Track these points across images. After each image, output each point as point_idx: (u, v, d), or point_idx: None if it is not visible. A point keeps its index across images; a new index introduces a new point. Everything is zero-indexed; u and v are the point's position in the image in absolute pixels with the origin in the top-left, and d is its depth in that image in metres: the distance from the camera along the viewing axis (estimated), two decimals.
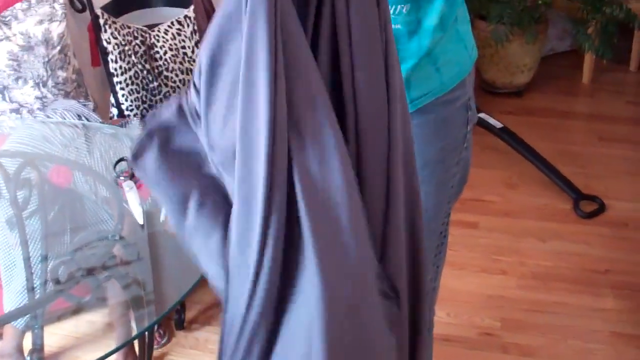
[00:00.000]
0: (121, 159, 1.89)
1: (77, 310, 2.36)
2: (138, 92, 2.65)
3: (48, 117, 2.25)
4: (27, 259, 1.89)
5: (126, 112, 2.65)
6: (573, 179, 3.30)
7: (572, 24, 4.10)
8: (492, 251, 2.89)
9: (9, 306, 1.92)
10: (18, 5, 2.47)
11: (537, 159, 3.35)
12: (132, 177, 1.82)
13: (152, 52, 2.70)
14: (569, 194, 3.22)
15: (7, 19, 2.44)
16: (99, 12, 2.63)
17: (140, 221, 1.77)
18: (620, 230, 3.04)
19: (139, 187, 1.83)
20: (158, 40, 2.71)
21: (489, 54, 4.02)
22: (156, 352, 2.43)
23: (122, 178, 1.83)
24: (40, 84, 2.50)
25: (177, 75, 2.71)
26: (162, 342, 2.46)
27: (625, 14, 3.94)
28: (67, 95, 2.55)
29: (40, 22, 2.50)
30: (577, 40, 4.09)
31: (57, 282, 1.79)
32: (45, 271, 1.94)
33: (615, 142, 3.75)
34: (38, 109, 2.45)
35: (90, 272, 1.84)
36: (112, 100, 2.67)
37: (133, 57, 2.64)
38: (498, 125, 3.47)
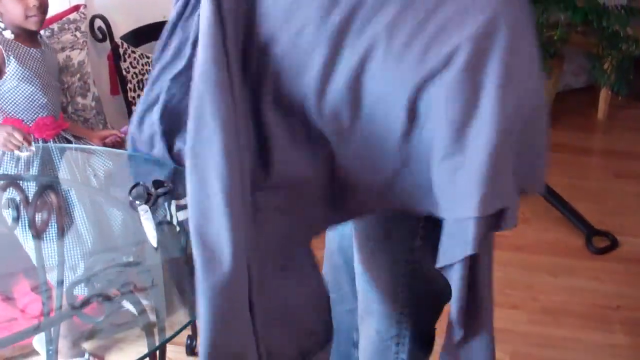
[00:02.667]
0: (137, 184, 1.91)
1: (90, 335, 2.39)
2: None
3: (68, 140, 2.30)
4: (44, 283, 1.92)
5: None
6: (587, 215, 3.30)
7: (588, 60, 4.13)
8: (503, 285, 2.88)
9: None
10: (42, 33, 2.53)
11: (550, 194, 3.35)
12: (147, 201, 1.84)
13: None
14: (582, 229, 3.22)
15: None
16: (119, 41, 2.69)
17: (155, 245, 1.79)
18: (633, 266, 3.03)
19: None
20: None
21: None
22: None
23: (137, 202, 1.85)
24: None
25: None
26: None
27: None
28: (85, 122, 2.60)
29: (62, 49, 2.56)
30: (593, 76, 4.12)
31: (73, 307, 1.82)
32: (61, 295, 1.97)
33: (630, 179, 3.75)
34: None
35: (105, 297, 1.86)
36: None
37: None
38: None
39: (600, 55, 4.02)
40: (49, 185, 2.03)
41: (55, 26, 2.56)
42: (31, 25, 2.22)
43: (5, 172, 2.13)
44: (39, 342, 2.32)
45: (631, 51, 3.94)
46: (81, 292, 1.76)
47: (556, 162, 3.82)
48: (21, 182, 2.02)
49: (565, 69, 4.63)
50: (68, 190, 2.08)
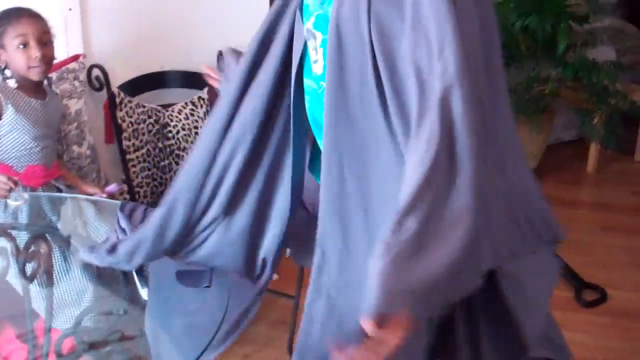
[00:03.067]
0: None
1: None
2: (149, 170, 2.73)
3: (58, 189, 2.33)
4: (31, 331, 1.94)
5: (136, 189, 2.72)
6: (576, 268, 3.32)
7: (578, 115, 4.20)
8: None
9: None
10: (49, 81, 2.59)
11: None
12: None
13: (165, 130, 2.79)
14: (571, 282, 3.24)
15: None
16: (115, 91, 2.74)
17: (145, 297, 1.82)
18: (621, 320, 3.05)
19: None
20: (171, 120, 2.81)
21: None
22: None
23: None
24: None
25: (188, 155, 2.80)
26: None
27: (630, 106, 4.05)
28: (80, 170, 2.63)
29: (60, 98, 2.60)
30: (582, 130, 4.19)
31: (59, 355, 1.84)
32: (48, 343, 1.98)
33: (618, 232, 3.79)
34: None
35: (92, 346, 1.88)
36: (123, 176, 2.75)
37: (146, 135, 2.73)
38: None
39: (589, 110, 4.10)
40: (41, 235, 2.06)
41: (54, 75, 2.62)
42: (34, 76, 2.27)
43: None
44: None
45: (620, 106, 4.01)
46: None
47: None
48: (12, 230, 2.04)
49: (555, 123, 4.71)
50: (63, 239, 2.11)
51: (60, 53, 2.70)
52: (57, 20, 2.69)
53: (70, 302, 2.02)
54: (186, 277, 1.70)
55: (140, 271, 1.85)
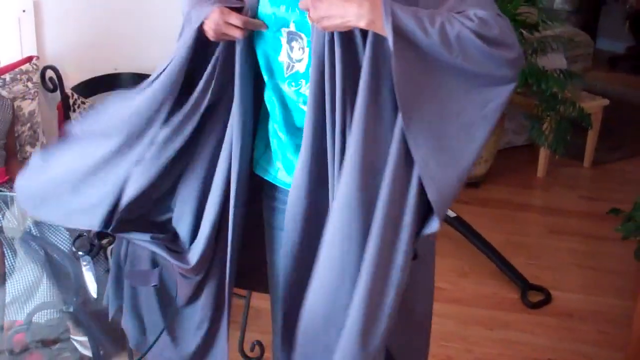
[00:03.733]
0: (80, 235, 1.97)
1: None
2: None
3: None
4: None
5: None
6: (523, 270, 3.42)
7: (528, 120, 4.31)
8: (439, 337, 2.96)
9: None
10: None
11: (488, 249, 3.48)
12: (89, 252, 1.90)
13: None
14: (517, 283, 3.34)
15: None
16: (69, 92, 2.76)
17: (95, 295, 1.85)
18: (565, 320, 3.15)
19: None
20: None
21: None
22: None
23: (80, 253, 1.92)
24: None
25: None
26: None
27: (578, 113, 4.17)
28: None
29: (14, 99, 2.62)
30: (531, 136, 4.30)
31: (10, 352, 1.86)
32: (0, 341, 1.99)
33: (565, 235, 3.90)
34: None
35: (44, 343, 1.90)
36: None
37: None
38: (452, 214, 3.60)
39: (539, 116, 4.21)
40: None
41: (7, 76, 2.63)
42: None
43: None
44: None
45: (568, 113, 4.12)
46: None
47: (495, 217, 4.01)
48: None
49: (507, 127, 4.81)
50: (12, 238, 2.13)
51: (14, 54, 2.72)
52: (11, 22, 2.72)
53: (21, 298, 2.04)
54: (135, 276, 1.74)
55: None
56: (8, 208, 2.22)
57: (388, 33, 1.36)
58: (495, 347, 2.96)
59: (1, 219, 2.22)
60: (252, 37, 1.59)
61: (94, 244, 1.91)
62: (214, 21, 1.51)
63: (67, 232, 2.16)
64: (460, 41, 1.37)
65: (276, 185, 1.70)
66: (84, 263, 1.88)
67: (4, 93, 2.49)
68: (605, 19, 7.99)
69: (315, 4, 1.40)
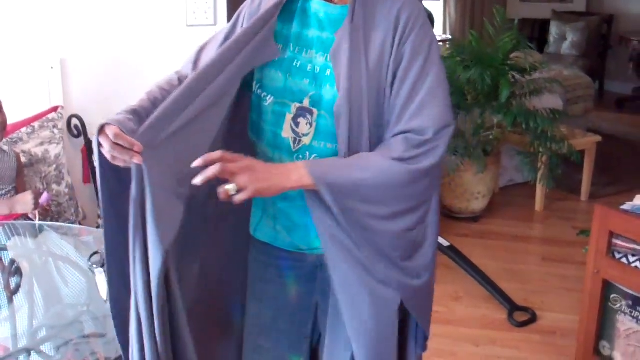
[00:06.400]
0: (95, 252, 2.31)
1: None
2: None
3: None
4: (14, 336, 2.26)
5: None
6: (514, 294, 3.67)
7: (521, 157, 4.59)
8: (430, 353, 3.17)
9: None
10: (24, 129, 2.97)
11: (478, 275, 3.74)
12: (102, 265, 2.23)
13: None
14: (505, 305, 3.59)
15: (13, 140, 2.93)
16: (92, 137, 3.11)
17: (105, 298, 2.16)
18: (549, 337, 3.38)
19: None
20: None
21: (447, 182, 4.48)
22: None
23: (94, 266, 2.25)
24: None
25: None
26: None
27: (568, 150, 4.43)
28: (59, 206, 3.00)
29: (41, 143, 2.99)
30: (524, 171, 4.57)
31: (38, 352, 2.16)
32: (31, 338, 2.27)
33: (557, 262, 4.14)
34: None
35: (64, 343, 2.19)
36: (99, 212, 3.11)
37: None
38: (445, 243, 3.87)
39: (533, 153, 4.48)
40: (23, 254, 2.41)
41: (36, 124, 3.01)
42: None
43: None
44: None
45: (557, 149, 4.39)
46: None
47: (492, 248, 4.28)
48: None
49: (508, 166, 5.09)
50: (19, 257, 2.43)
51: (42, 105, 3.10)
52: (40, 77, 3.10)
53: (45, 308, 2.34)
54: None
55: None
56: (15, 235, 2.53)
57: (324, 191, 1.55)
58: None
59: (6, 242, 2.53)
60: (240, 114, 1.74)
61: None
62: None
63: (71, 245, 2.49)
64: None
65: (273, 246, 1.81)
66: (98, 274, 2.21)
67: (6, 148, 2.79)
68: (611, 62, 8.27)
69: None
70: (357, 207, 1.60)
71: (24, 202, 2.59)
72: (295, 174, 1.55)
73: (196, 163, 1.47)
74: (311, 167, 1.57)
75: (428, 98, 1.63)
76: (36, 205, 2.57)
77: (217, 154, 1.48)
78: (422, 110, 1.63)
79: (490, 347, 3.32)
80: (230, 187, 1.47)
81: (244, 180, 1.49)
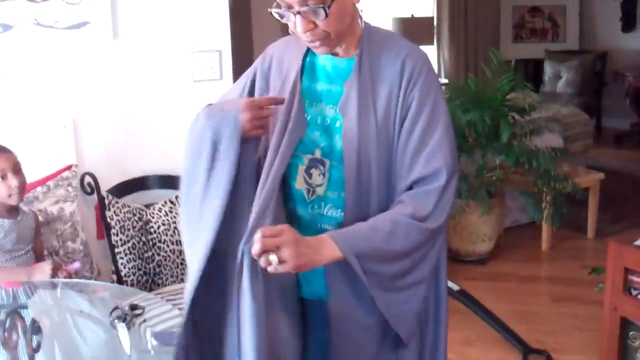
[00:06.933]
0: (116, 307, 2.33)
1: None
2: (135, 261, 3.12)
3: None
4: None
5: (124, 278, 3.10)
6: (527, 336, 3.68)
7: (525, 197, 4.62)
8: None
9: None
10: (39, 189, 3.01)
11: (491, 318, 3.75)
12: (124, 320, 2.25)
13: (147, 226, 3.19)
14: (519, 348, 3.58)
15: (29, 199, 2.96)
16: (104, 194, 3.15)
17: (128, 352, 2.18)
18: None
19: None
20: (153, 217, 3.22)
21: (452, 225, 4.51)
22: None
23: (116, 321, 2.26)
24: (53, 253, 2.98)
25: (168, 246, 3.20)
26: None
27: (572, 187, 4.46)
28: (71, 263, 3.01)
29: (56, 202, 3.02)
30: (530, 211, 4.60)
31: None
32: None
33: (568, 302, 4.15)
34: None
35: None
36: (113, 267, 3.13)
37: (131, 231, 3.13)
38: (455, 287, 3.89)
39: (536, 193, 4.52)
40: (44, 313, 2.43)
41: (51, 183, 3.04)
42: (13, 202, 2.69)
43: None
44: None
45: (560, 188, 4.42)
46: None
47: (502, 290, 4.29)
48: None
49: (511, 206, 5.12)
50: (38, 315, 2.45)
51: (56, 164, 3.13)
52: (53, 137, 3.14)
53: None
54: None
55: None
56: (35, 293, 2.57)
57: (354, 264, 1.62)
58: None
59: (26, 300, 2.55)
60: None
61: (127, 314, 2.27)
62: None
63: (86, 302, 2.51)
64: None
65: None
66: (120, 328, 2.23)
67: (25, 209, 2.83)
68: (607, 99, 8.35)
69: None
70: (379, 270, 1.67)
71: (41, 270, 2.62)
72: (327, 251, 1.61)
73: (241, 245, 1.56)
74: (337, 239, 1.62)
75: (438, 145, 1.69)
76: (53, 275, 2.59)
77: (257, 234, 1.53)
78: (434, 156, 1.69)
79: None
80: (273, 259, 1.53)
81: (286, 255, 1.54)
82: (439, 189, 1.67)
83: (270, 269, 1.53)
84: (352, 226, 1.67)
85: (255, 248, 1.52)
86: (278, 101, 1.73)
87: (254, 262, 1.57)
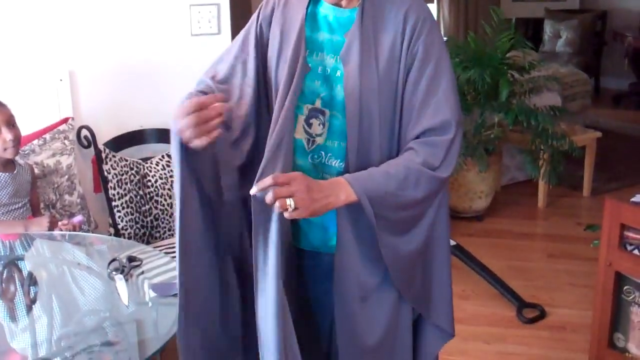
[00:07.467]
0: (114, 259, 2.34)
1: None
2: (132, 214, 3.13)
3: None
4: (34, 345, 2.28)
5: (121, 231, 3.11)
6: (522, 291, 3.71)
7: (523, 155, 4.63)
8: (441, 351, 3.25)
9: None
10: (35, 142, 3.00)
11: (487, 273, 3.78)
12: (122, 272, 2.27)
13: (145, 180, 3.20)
14: (513, 302, 3.62)
15: (26, 152, 2.96)
16: (101, 147, 3.15)
17: (126, 303, 2.20)
18: (558, 332, 3.42)
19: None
20: (150, 171, 3.22)
21: (450, 182, 4.49)
22: None
23: (114, 273, 2.28)
24: (50, 206, 2.99)
25: (165, 200, 3.21)
26: None
27: (569, 146, 4.47)
28: (72, 216, 3.02)
29: (53, 155, 3.02)
30: (527, 169, 4.61)
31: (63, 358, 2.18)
32: (51, 346, 2.29)
33: (562, 258, 4.19)
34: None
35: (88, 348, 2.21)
36: (110, 221, 3.14)
37: (129, 185, 3.14)
38: (452, 243, 3.90)
39: (534, 151, 4.52)
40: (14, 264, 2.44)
41: (47, 135, 3.03)
42: (9, 155, 2.69)
43: None
44: None
45: (558, 146, 4.43)
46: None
47: (498, 246, 4.32)
48: None
49: (509, 164, 5.14)
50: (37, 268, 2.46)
51: (53, 117, 3.13)
52: (50, 89, 3.13)
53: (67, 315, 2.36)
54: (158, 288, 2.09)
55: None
56: (32, 245, 2.58)
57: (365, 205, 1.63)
58: (492, 359, 3.24)
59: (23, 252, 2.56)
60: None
61: (124, 266, 2.28)
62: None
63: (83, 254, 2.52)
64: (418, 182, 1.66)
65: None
66: (118, 280, 2.25)
67: (21, 162, 2.84)
68: (606, 59, 8.32)
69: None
70: (389, 215, 1.68)
71: (39, 223, 2.64)
72: (343, 193, 1.61)
73: (252, 191, 1.56)
74: (352, 182, 1.63)
75: (445, 95, 1.70)
76: (50, 229, 2.61)
77: (268, 179, 1.54)
78: (442, 105, 1.70)
79: (500, 344, 3.35)
80: (290, 203, 1.52)
81: (301, 200, 1.54)
82: (448, 142, 1.69)
83: (286, 214, 1.53)
84: (365, 171, 1.67)
85: (269, 197, 1.52)
86: (218, 99, 1.62)
87: (264, 207, 1.58)
